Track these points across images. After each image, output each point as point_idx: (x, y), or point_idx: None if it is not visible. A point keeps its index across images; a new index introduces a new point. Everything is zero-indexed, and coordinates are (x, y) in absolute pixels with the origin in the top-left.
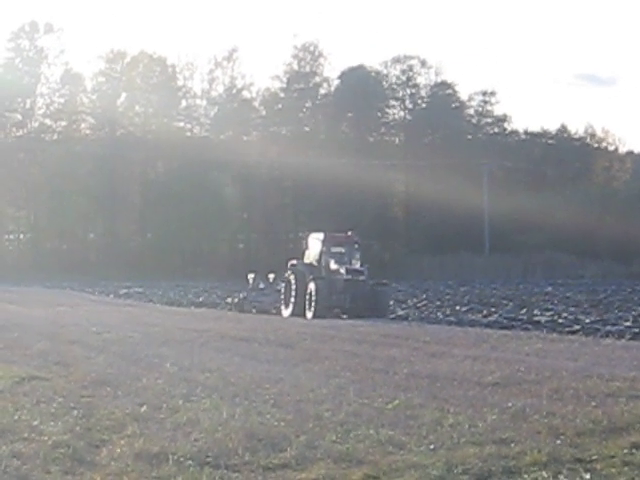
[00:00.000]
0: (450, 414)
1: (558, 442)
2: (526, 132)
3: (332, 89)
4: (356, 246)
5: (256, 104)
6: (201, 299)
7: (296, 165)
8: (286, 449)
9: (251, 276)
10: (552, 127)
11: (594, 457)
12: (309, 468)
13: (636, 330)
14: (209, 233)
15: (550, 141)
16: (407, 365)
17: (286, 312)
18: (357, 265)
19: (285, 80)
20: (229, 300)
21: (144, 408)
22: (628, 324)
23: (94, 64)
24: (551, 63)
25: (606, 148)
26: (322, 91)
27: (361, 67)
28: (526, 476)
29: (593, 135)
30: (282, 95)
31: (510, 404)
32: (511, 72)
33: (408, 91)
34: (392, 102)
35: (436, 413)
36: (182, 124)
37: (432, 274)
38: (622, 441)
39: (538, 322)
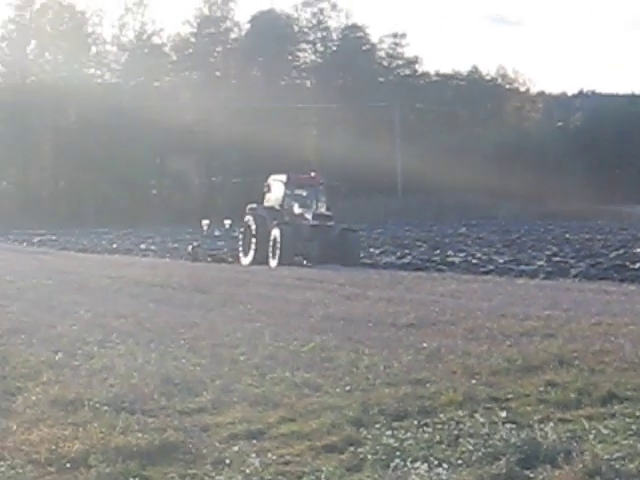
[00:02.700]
0: (365, 355)
1: (473, 381)
2: (437, 74)
3: (243, 33)
4: (321, 188)
5: (167, 49)
6: (115, 246)
7: (207, 110)
8: (202, 393)
9: (205, 222)
10: (463, 69)
11: (509, 396)
12: (225, 412)
13: (549, 269)
14: (122, 180)
15: (462, 82)
16: (322, 308)
17: (245, 260)
18: (323, 209)
19: (195, 25)
20: (186, 248)
21: (59, 355)
22: (541, 263)
23: (3, 12)
24: (460, 4)
25: (517, 89)
26: (233, 35)
27: (272, 11)
28: (442, 416)
29: (505, 76)
30: (193, 40)
31: (425, 345)
32: (421, 14)
33: (319, 34)
34: (303, 45)
35: (351, 355)
36: (93, 71)
37: (345, 217)
38: (537, 379)
39: (452, 263)
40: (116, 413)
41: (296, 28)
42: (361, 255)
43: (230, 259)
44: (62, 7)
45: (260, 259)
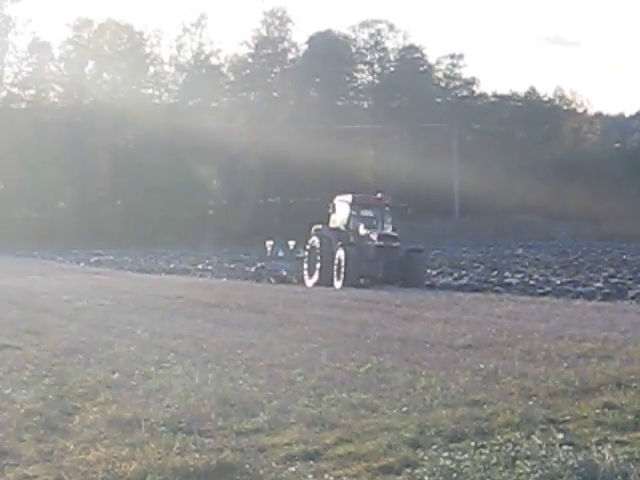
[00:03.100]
0: (422, 377)
1: (530, 403)
2: (495, 95)
3: (300, 54)
4: (387, 209)
5: (224, 70)
6: (172, 266)
7: (265, 131)
8: (259, 414)
9: (269, 243)
10: (520, 89)
11: (566, 417)
12: (282, 433)
13: (606, 291)
14: (178, 200)
15: (519, 103)
16: (379, 329)
17: (310, 282)
18: (389, 230)
19: (253, 46)
20: (247, 269)
21: (116, 375)
22: (598, 285)
23: (61, 32)
24: (517, 26)
25: (575, 110)
26: (290, 56)
27: (329, 32)
28: (499, 437)
29: (562, 97)
30: (250, 61)
31: (482, 366)
32: (478, 35)
33: (376, 55)
34: (360, 66)
35: (408, 376)
36: (150, 91)
37: (402, 239)
38: (594, 401)
39: (509, 284)
40: (173, 433)
41: (353, 49)
42: (426, 275)
43: (295, 280)
44: (120, 27)
45: (325, 280)
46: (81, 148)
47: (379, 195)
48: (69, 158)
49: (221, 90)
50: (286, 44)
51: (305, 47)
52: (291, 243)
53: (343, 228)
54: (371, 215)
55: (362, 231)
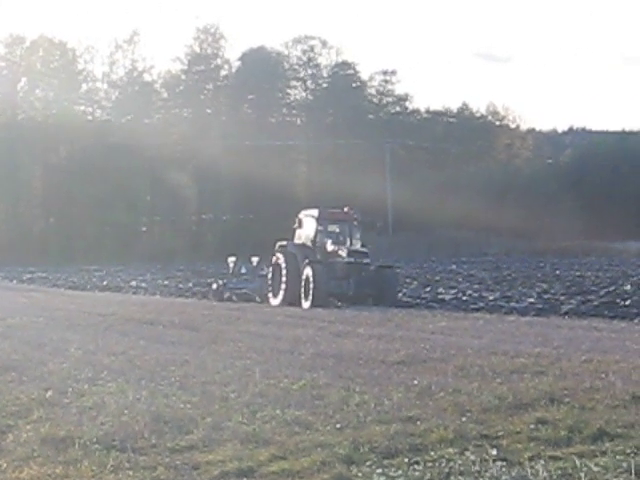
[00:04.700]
0: (356, 393)
1: (464, 419)
2: (427, 111)
3: (233, 71)
4: (355, 224)
5: (157, 87)
6: (105, 283)
7: (198, 147)
8: (192, 431)
9: (231, 259)
10: (453, 105)
11: (500, 433)
12: (216, 450)
13: (540, 306)
14: (112, 217)
15: (452, 119)
16: (312, 345)
17: (275, 301)
18: (358, 245)
19: (186, 62)
20: (210, 287)
21: (50, 393)
22: (531, 300)
23: None
24: (449, 42)
25: (507, 125)
26: (223, 73)
27: (262, 48)
28: (433, 453)
29: (494, 113)
30: (183, 77)
31: (416, 382)
32: (411, 51)
33: (309, 71)
34: (293, 82)
35: (342, 392)
36: (83, 108)
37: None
38: (528, 417)
39: (442, 300)
40: (107, 451)
41: (286, 65)
42: (398, 292)
43: (258, 299)
44: (53, 44)
45: (291, 299)
46: (14, 164)
47: (346, 209)
48: (2, 174)
49: (154, 107)
50: (219, 61)
51: (238, 64)
52: (254, 259)
53: (309, 244)
54: (338, 230)
55: (330, 247)
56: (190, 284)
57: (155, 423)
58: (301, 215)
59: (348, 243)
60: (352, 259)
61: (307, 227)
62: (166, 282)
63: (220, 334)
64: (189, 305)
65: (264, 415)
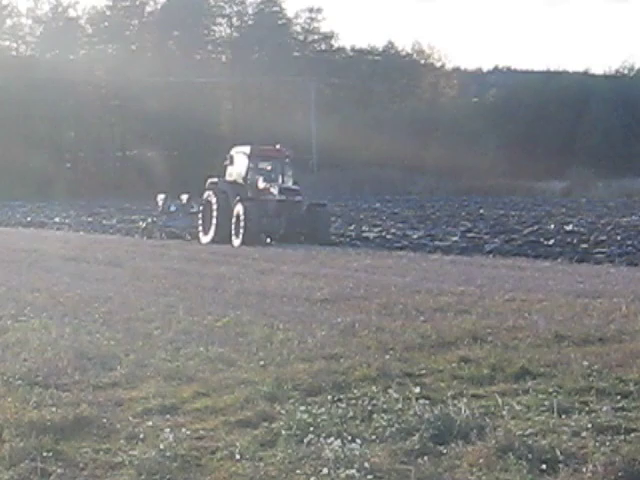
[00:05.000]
0: (279, 330)
1: (387, 357)
2: (353, 49)
3: (158, 7)
4: (287, 161)
5: (82, 22)
6: (29, 219)
7: (123, 84)
8: (116, 368)
9: (161, 197)
10: (379, 44)
11: (423, 371)
12: (139, 386)
13: (463, 245)
14: (36, 153)
15: (377, 58)
16: (236, 282)
17: (205, 238)
18: (290, 183)
19: None
20: (139, 224)
21: None
22: (455, 239)
23: None
24: None
25: (433, 64)
26: (148, 9)
27: None
28: (356, 391)
29: (421, 51)
30: (108, 13)
31: (339, 320)
32: None
33: (235, 8)
34: (219, 19)
35: (265, 330)
36: (7, 43)
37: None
38: (450, 355)
39: (366, 238)
40: (30, 387)
41: (212, 2)
42: (330, 230)
43: (188, 237)
44: None
45: (221, 237)
46: None
47: (278, 146)
48: None
49: (79, 42)
50: None
51: (163, 0)
52: (184, 197)
53: (241, 181)
54: (270, 168)
55: (261, 184)
56: (114, 221)
57: (78, 360)
58: (232, 152)
59: (280, 181)
60: (284, 197)
61: (238, 164)
62: (90, 219)
63: (144, 271)
64: (113, 242)
65: (187, 352)
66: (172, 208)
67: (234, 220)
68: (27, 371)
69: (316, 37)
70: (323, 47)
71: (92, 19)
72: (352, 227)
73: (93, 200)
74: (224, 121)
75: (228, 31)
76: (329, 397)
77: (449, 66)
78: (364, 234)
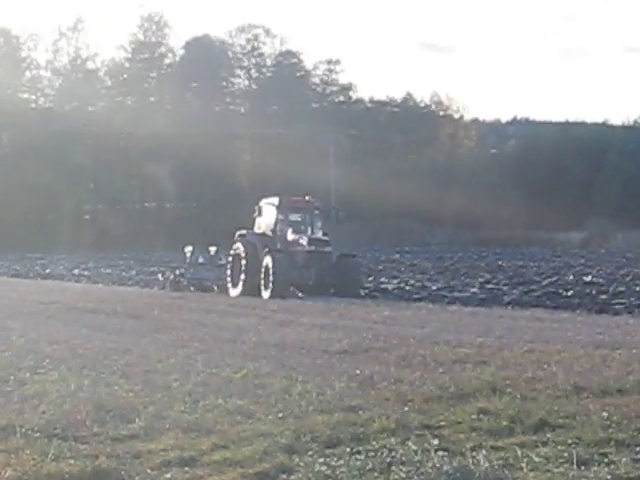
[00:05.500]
0: (298, 382)
1: (406, 409)
2: (371, 100)
3: (177, 59)
4: (317, 212)
5: (101, 74)
6: (48, 271)
7: (142, 135)
8: (135, 420)
9: (188, 249)
10: (397, 95)
11: (442, 423)
12: (158, 439)
13: (482, 296)
14: (55, 205)
15: (395, 109)
16: (255, 334)
17: (234, 291)
18: (319, 234)
19: (130, 50)
20: (162, 277)
21: None
22: (474, 290)
23: None
24: (392, 31)
25: (451, 115)
26: (167, 61)
27: (206, 37)
28: (374, 443)
29: (438, 102)
30: (127, 65)
31: (358, 371)
32: (355, 41)
33: (253, 60)
34: (237, 71)
35: (284, 382)
36: (26, 95)
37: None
38: (469, 407)
39: (385, 290)
40: (48, 440)
41: (230, 54)
42: (361, 282)
43: (216, 289)
44: None
45: (250, 290)
46: None
47: (307, 197)
48: None
49: (98, 94)
50: (163, 49)
51: (182, 52)
52: (212, 249)
53: (270, 233)
54: (299, 219)
55: (290, 236)
56: (133, 272)
57: (97, 412)
58: (261, 203)
59: (309, 232)
60: (313, 247)
61: (267, 216)
62: (109, 270)
63: (162, 323)
64: (132, 294)
65: (206, 404)
66: (200, 260)
67: (263, 272)
68: (45, 423)
69: (334, 89)
70: (341, 98)
71: (111, 71)
72: (371, 279)
73: (112, 252)
74: (242, 172)
75: (247, 83)
76: (348, 449)
77: (467, 117)
78: (383, 285)
